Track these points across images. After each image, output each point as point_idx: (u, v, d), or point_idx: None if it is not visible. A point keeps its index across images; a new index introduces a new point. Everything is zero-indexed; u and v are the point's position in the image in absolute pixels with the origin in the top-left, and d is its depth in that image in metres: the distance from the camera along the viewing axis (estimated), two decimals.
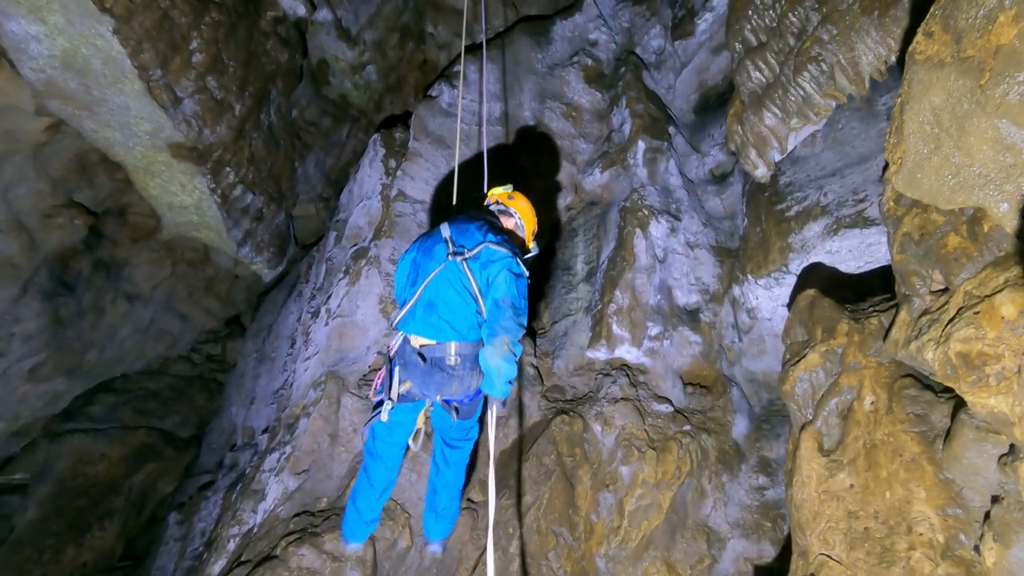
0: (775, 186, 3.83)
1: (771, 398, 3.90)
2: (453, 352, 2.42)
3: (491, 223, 2.63)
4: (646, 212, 4.31)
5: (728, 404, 3.79)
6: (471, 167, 4.82)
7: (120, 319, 5.92)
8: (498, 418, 2.56)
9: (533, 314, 3.81)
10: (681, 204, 4.53)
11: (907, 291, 2.29)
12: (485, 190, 3.39)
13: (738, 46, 3.98)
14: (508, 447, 3.74)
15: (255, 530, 3.33)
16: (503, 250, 2.40)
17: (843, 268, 3.41)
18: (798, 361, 2.79)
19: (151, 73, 4.48)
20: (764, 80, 3.77)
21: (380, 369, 2.60)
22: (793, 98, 3.55)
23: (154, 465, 6.48)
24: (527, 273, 2.45)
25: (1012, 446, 1.81)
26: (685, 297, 4.16)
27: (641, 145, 4.68)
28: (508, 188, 2.87)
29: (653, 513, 3.23)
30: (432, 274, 2.43)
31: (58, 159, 5.00)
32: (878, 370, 2.46)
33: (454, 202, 3.48)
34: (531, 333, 4.42)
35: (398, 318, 2.50)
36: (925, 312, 2.13)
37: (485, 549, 3.14)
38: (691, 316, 4.11)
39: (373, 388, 2.61)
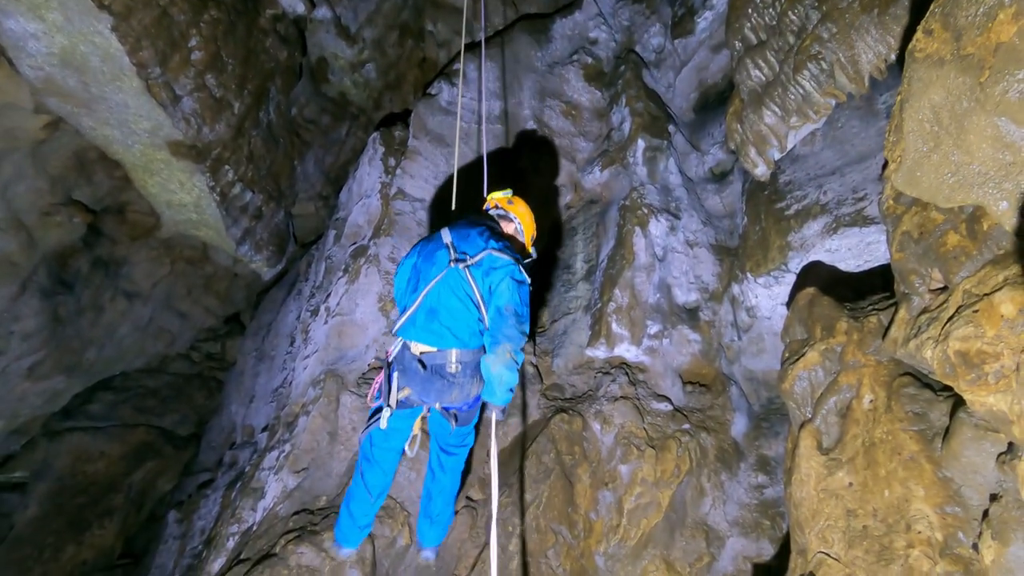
0: (775, 184, 3.83)
1: (770, 396, 3.90)
2: (454, 359, 2.40)
3: (492, 229, 2.61)
4: (646, 211, 4.31)
5: (727, 403, 3.79)
6: (471, 166, 4.82)
7: (119, 317, 5.92)
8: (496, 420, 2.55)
9: (533, 316, 3.82)
10: (681, 203, 4.52)
11: (906, 289, 2.29)
12: (485, 188, 3.39)
13: (738, 44, 3.97)
14: (508, 445, 3.74)
15: (254, 528, 3.33)
16: (506, 257, 2.39)
17: (842, 267, 3.41)
18: (797, 359, 2.79)
19: (150, 71, 4.47)
20: (764, 78, 3.76)
21: (378, 374, 2.58)
22: (793, 96, 3.55)
23: (153, 463, 6.48)
24: (529, 280, 2.44)
25: (1011, 444, 1.82)
26: (684, 296, 4.16)
27: (641, 143, 4.67)
28: (507, 193, 2.84)
29: (652, 511, 3.23)
30: (434, 281, 2.41)
31: (57, 157, 4.99)
32: (877, 368, 2.46)
33: (454, 200, 3.47)
34: (530, 333, 4.42)
35: (398, 324, 2.47)
36: (924, 310, 2.13)
37: (484, 547, 3.15)
38: (690, 315, 4.11)
39: (370, 394, 2.59)
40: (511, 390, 2.36)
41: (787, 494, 2.56)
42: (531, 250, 2.82)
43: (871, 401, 2.40)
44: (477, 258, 2.40)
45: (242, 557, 3.06)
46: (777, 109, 3.66)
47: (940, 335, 1.90)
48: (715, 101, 5.13)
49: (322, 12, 6.22)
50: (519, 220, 2.77)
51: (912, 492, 2.06)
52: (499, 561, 3.05)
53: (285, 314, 5.60)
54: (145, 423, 6.63)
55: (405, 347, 2.46)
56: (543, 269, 4.78)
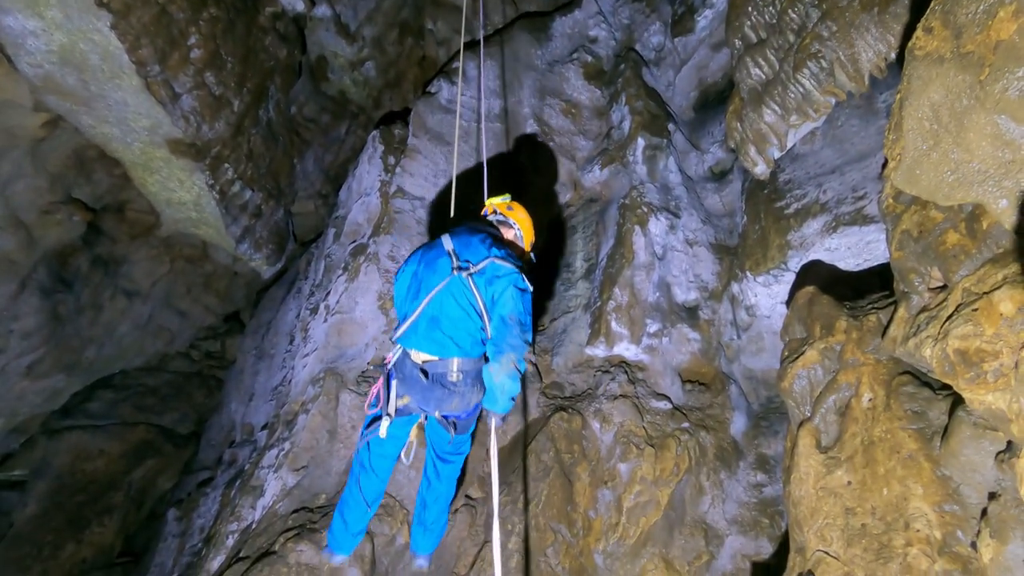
0: (774, 183, 3.83)
1: (769, 395, 3.90)
2: (455, 368, 2.37)
3: (494, 236, 2.59)
4: (645, 209, 4.31)
5: (726, 401, 3.79)
6: (470, 165, 4.81)
7: (119, 315, 5.92)
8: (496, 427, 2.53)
9: (533, 316, 3.81)
10: (680, 201, 4.52)
11: (906, 288, 2.29)
12: (485, 188, 3.38)
13: (738, 43, 3.97)
14: (507, 444, 3.75)
15: (254, 526, 3.34)
16: (509, 265, 2.37)
17: (842, 265, 3.40)
18: (796, 358, 2.79)
19: (149, 69, 4.47)
20: (764, 77, 3.76)
21: (376, 381, 2.54)
22: (793, 95, 3.54)
23: (153, 461, 6.49)
24: (531, 288, 2.43)
25: (1009, 443, 1.82)
26: (684, 294, 4.16)
27: (640, 142, 4.67)
28: (507, 198, 2.82)
29: (651, 510, 3.23)
30: (436, 289, 2.37)
31: (56, 155, 4.99)
32: (876, 367, 2.46)
33: (453, 201, 3.46)
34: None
35: (399, 332, 2.43)
36: (923, 309, 2.13)
37: (483, 545, 3.15)
38: (690, 313, 4.11)
39: (368, 400, 2.55)
40: (513, 399, 2.35)
41: (786, 492, 2.56)
42: (530, 255, 2.81)
43: (870, 400, 2.40)
44: (480, 266, 2.37)
45: (242, 555, 3.07)
46: (777, 107, 3.65)
47: (939, 333, 1.90)
48: (715, 100, 5.13)
49: (322, 10, 6.22)
50: (519, 226, 2.75)
51: (911, 490, 2.06)
52: (499, 558, 3.05)
53: (285, 312, 5.60)
54: (145, 421, 6.64)
55: (405, 355, 2.42)
56: (543, 268, 4.78)
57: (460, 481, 3.08)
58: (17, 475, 6.20)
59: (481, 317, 2.37)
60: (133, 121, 4.77)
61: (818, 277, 3.30)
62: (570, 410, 3.64)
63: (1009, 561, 1.68)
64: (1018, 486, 1.65)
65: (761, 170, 3.87)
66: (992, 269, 1.86)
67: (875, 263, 3.28)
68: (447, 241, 2.50)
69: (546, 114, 5.33)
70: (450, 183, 3.71)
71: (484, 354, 2.46)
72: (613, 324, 3.90)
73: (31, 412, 5.83)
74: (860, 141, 3.43)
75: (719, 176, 4.77)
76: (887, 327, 2.37)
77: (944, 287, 2.12)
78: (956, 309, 1.89)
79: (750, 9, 3.85)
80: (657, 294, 4.05)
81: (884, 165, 2.34)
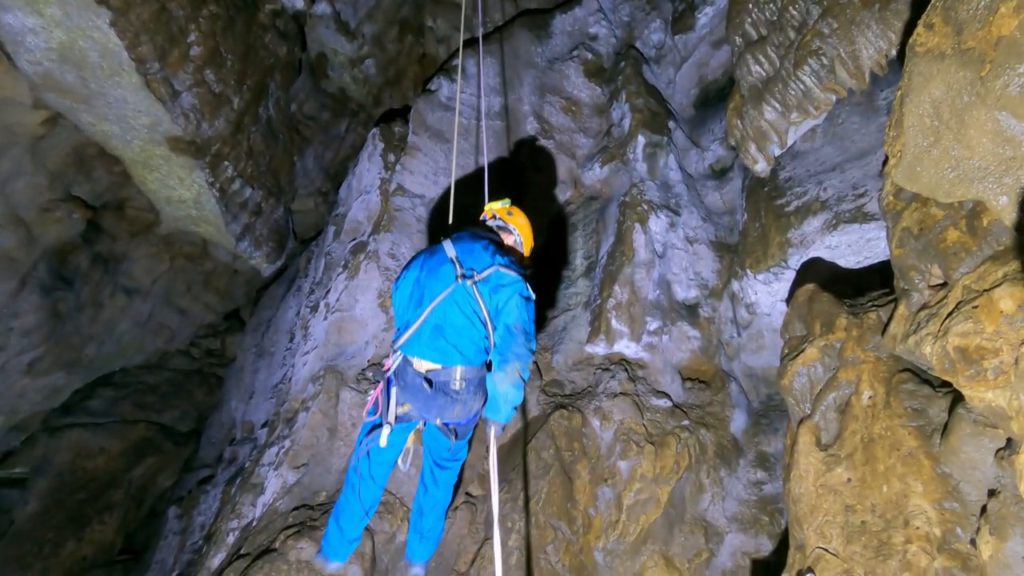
0: (775, 181, 3.82)
1: (769, 393, 3.90)
2: (458, 377, 2.35)
3: (497, 243, 2.57)
4: (645, 207, 4.31)
5: (727, 399, 3.79)
6: (470, 163, 4.81)
7: (119, 313, 5.92)
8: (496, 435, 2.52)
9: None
10: (680, 199, 4.52)
11: (906, 286, 2.29)
12: (485, 186, 3.37)
13: (738, 40, 3.96)
14: (507, 442, 3.75)
15: (254, 523, 3.34)
16: (513, 274, 2.36)
17: (842, 263, 3.40)
18: (796, 356, 2.79)
19: (149, 66, 4.46)
20: (764, 74, 3.75)
21: (376, 388, 2.50)
22: (793, 92, 3.54)
23: (153, 459, 6.49)
24: (534, 296, 2.41)
25: (1009, 440, 1.82)
26: (684, 292, 4.16)
27: (641, 140, 4.66)
28: (506, 203, 2.80)
29: (651, 507, 3.23)
30: (440, 297, 2.34)
31: (56, 152, 4.98)
32: (876, 364, 2.46)
33: (452, 202, 3.44)
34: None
35: (402, 340, 2.39)
36: (923, 306, 2.12)
37: (483, 542, 3.16)
38: (690, 311, 4.10)
39: (366, 408, 2.52)
40: (515, 408, 2.34)
41: (786, 490, 2.56)
42: (529, 264, 2.80)
43: (870, 397, 2.40)
44: (484, 274, 2.35)
45: (242, 552, 3.07)
46: (777, 105, 3.65)
47: (939, 331, 1.90)
48: (715, 97, 5.12)
49: (321, 7, 6.20)
50: (518, 232, 2.74)
51: (911, 488, 2.06)
52: (500, 555, 3.05)
53: (285, 310, 5.60)
54: (145, 419, 6.64)
55: (407, 363, 2.38)
56: (542, 266, 4.77)
57: (456, 487, 3.07)
58: (18, 472, 6.21)
59: (485, 326, 2.35)
60: (133, 119, 4.77)
61: (818, 275, 3.29)
62: (570, 408, 3.64)
63: (1008, 558, 1.68)
64: (1018, 483, 1.65)
65: (761, 167, 3.87)
66: (992, 266, 1.86)
67: (875, 261, 3.28)
68: (449, 247, 2.47)
69: (546, 112, 5.32)
70: (450, 181, 3.69)
71: (486, 362, 2.44)
72: (613, 322, 3.90)
73: (32, 410, 5.83)
74: (861, 138, 3.43)
75: (719, 174, 4.77)
76: (887, 324, 2.37)
77: (944, 284, 2.12)
78: (956, 306, 1.89)
79: (751, 6, 3.84)
80: (657, 292, 4.05)
81: (885, 162, 2.34)
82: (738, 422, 3.72)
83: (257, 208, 5.93)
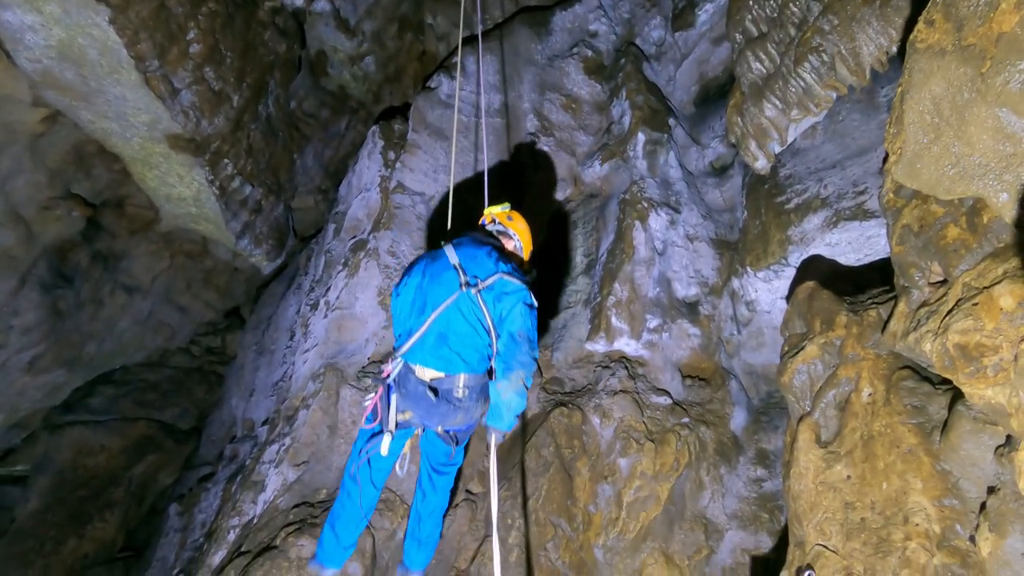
0: (775, 178, 3.82)
1: (769, 390, 3.90)
2: (461, 385, 2.33)
3: (499, 248, 2.55)
4: (645, 204, 4.30)
5: (727, 396, 3.79)
6: (470, 160, 4.81)
7: (119, 311, 5.92)
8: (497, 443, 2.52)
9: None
10: (681, 196, 4.51)
11: (906, 283, 2.29)
12: (485, 185, 3.36)
13: (739, 36, 3.95)
14: (508, 440, 3.75)
15: (255, 521, 3.35)
16: (517, 282, 2.34)
17: (842, 260, 3.40)
18: (796, 353, 2.79)
19: (148, 63, 4.45)
20: (765, 71, 3.75)
21: (375, 394, 2.47)
22: (794, 89, 3.53)
23: (154, 457, 6.50)
24: (537, 303, 2.40)
25: (1009, 437, 1.82)
26: (684, 290, 4.16)
27: (641, 137, 4.65)
28: (506, 207, 2.78)
29: (651, 505, 3.24)
30: (444, 305, 2.32)
31: (55, 150, 4.98)
32: (876, 362, 2.46)
33: (451, 197, 3.44)
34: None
35: (405, 348, 2.36)
36: (923, 304, 2.12)
37: (483, 540, 3.16)
38: (690, 309, 4.10)
39: (364, 415, 2.50)
40: (517, 416, 2.34)
41: (785, 487, 2.57)
42: (533, 272, 2.78)
43: (870, 394, 2.40)
44: (488, 282, 2.33)
45: (243, 549, 3.08)
46: (778, 102, 3.64)
47: (939, 328, 1.90)
48: (716, 94, 5.11)
49: (321, 5, 6.19)
50: (519, 237, 2.72)
51: (910, 485, 2.06)
52: (499, 554, 3.06)
53: (285, 308, 5.60)
54: (145, 417, 6.65)
55: (408, 370, 2.36)
56: (542, 264, 4.77)
57: (453, 492, 3.06)
58: (19, 470, 6.22)
59: (489, 333, 2.34)
60: (132, 116, 4.76)
61: (818, 272, 3.29)
62: (570, 405, 3.64)
63: (1007, 555, 1.68)
64: (1017, 480, 1.65)
65: (762, 165, 3.86)
66: (992, 263, 1.85)
67: (875, 258, 3.28)
68: (451, 253, 2.43)
69: (546, 109, 5.31)
70: (450, 178, 3.69)
71: (488, 369, 2.43)
72: (613, 319, 3.90)
73: (32, 407, 5.83)
74: (861, 136, 3.42)
75: (720, 171, 4.76)
76: (887, 322, 2.37)
77: (944, 282, 2.12)
78: (956, 304, 1.89)
79: (751, 3, 3.83)
80: (657, 289, 4.05)
81: (885, 159, 2.33)
82: (738, 419, 3.72)
83: (257, 206, 5.92)
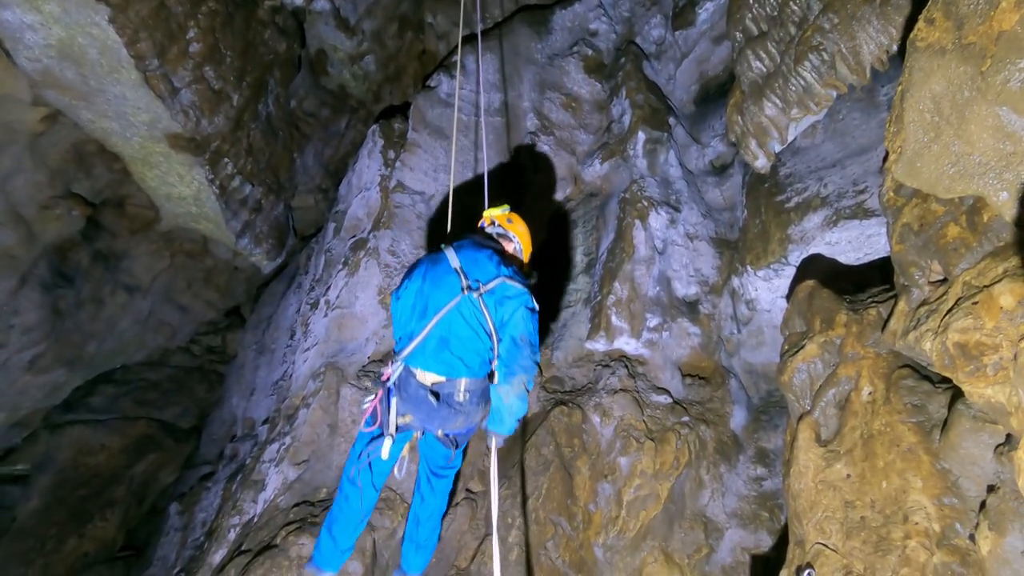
0: (775, 177, 3.82)
1: (769, 389, 3.90)
2: (463, 389, 2.33)
3: (500, 252, 2.54)
4: (645, 203, 4.30)
5: (726, 395, 3.79)
6: (470, 159, 4.80)
7: (119, 310, 5.92)
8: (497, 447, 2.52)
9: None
10: (681, 195, 4.51)
11: (906, 282, 2.29)
12: (485, 185, 3.36)
13: (739, 35, 3.94)
14: (508, 439, 3.75)
15: (255, 520, 3.35)
16: (518, 285, 2.34)
17: (842, 259, 3.40)
18: (796, 352, 2.79)
19: (148, 63, 4.45)
20: (765, 70, 3.74)
21: (374, 397, 2.45)
22: (794, 88, 3.53)
23: (155, 456, 6.50)
24: (538, 307, 2.40)
25: (1008, 436, 1.82)
26: (684, 288, 4.16)
27: (641, 136, 4.65)
28: (505, 210, 2.77)
29: (651, 503, 3.24)
30: (445, 308, 2.30)
31: (55, 150, 4.98)
32: (876, 361, 2.46)
33: (451, 196, 3.44)
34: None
35: (406, 352, 2.34)
36: (923, 303, 2.12)
37: (484, 538, 3.16)
38: (690, 307, 4.10)
39: (363, 418, 2.49)
40: (518, 420, 2.34)
41: (785, 486, 2.57)
42: (534, 276, 2.78)
43: (870, 393, 2.40)
44: (490, 286, 2.32)
45: (243, 548, 3.08)
46: (778, 101, 3.64)
47: (939, 327, 1.90)
48: (716, 93, 5.11)
49: (321, 3, 6.18)
50: (518, 239, 2.71)
51: (910, 483, 2.06)
52: (499, 553, 3.06)
53: (285, 307, 5.60)
54: (146, 416, 6.65)
55: (409, 374, 2.34)
56: (542, 263, 4.77)
57: (452, 493, 3.06)
58: (20, 469, 6.23)
59: (490, 337, 2.33)
60: (132, 116, 4.76)
61: (818, 271, 3.29)
62: (570, 404, 3.64)
63: (1007, 553, 1.69)
64: (1017, 479, 1.65)
65: (762, 164, 3.86)
66: (992, 262, 1.85)
67: (876, 257, 3.27)
68: (452, 257, 2.42)
69: (546, 108, 5.31)
70: (450, 178, 3.68)
71: (489, 373, 2.43)
72: (613, 318, 3.90)
73: (33, 407, 5.84)
74: (861, 134, 3.42)
75: (720, 170, 4.76)
76: (887, 321, 2.37)
77: (944, 280, 2.12)
78: (956, 302, 1.89)
79: (751, 1, 3.82)
80: (657, 288, 4.05)
81: (885, 158, 2.33)
82: (738, 418, 3.73)
83: (257, 205, 5.92)
